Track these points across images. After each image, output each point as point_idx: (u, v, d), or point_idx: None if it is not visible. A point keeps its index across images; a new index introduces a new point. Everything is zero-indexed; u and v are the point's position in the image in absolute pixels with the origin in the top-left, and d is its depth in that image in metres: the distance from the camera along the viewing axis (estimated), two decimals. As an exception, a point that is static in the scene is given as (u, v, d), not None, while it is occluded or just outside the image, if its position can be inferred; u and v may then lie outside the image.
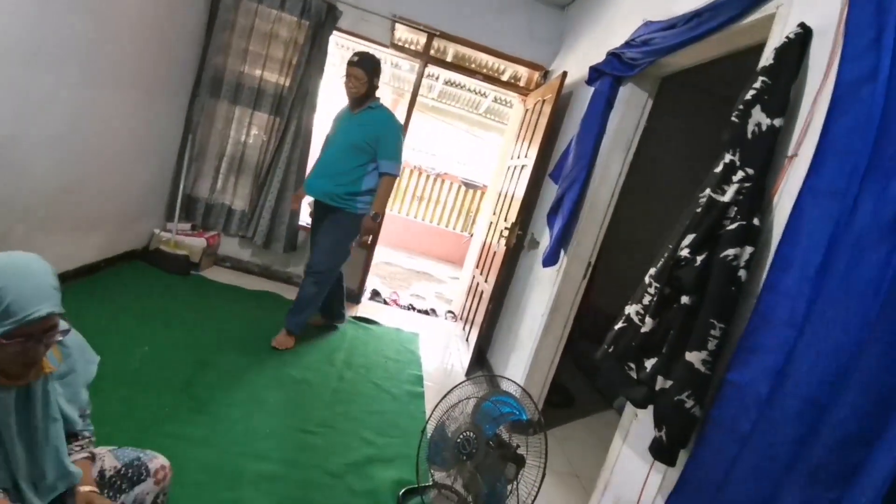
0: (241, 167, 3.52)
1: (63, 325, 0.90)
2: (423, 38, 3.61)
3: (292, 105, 3.41)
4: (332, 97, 3.81)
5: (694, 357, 1.17)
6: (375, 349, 3.03)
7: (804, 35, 1.25)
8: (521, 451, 1.59)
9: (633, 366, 1.36)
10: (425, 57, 3.63)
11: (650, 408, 1.30)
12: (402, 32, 3.65)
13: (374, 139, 2.53)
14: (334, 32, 3.44)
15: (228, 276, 3.48)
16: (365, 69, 2.49)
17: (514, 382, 1.65)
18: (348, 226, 2.61)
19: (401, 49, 3.68)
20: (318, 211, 2.71)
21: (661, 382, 1.24)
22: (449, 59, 4.41)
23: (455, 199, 7.79)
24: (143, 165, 3.05)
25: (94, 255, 2.76)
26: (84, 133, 2.38)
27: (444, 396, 1.73)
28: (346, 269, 3.80)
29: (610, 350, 1.46)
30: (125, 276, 2.93)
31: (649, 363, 1.31)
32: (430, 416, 1.76)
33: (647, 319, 1.32)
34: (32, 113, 2.04)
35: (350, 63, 2.49)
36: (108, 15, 2.33)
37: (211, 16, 3.29)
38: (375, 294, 4.24)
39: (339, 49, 4.61)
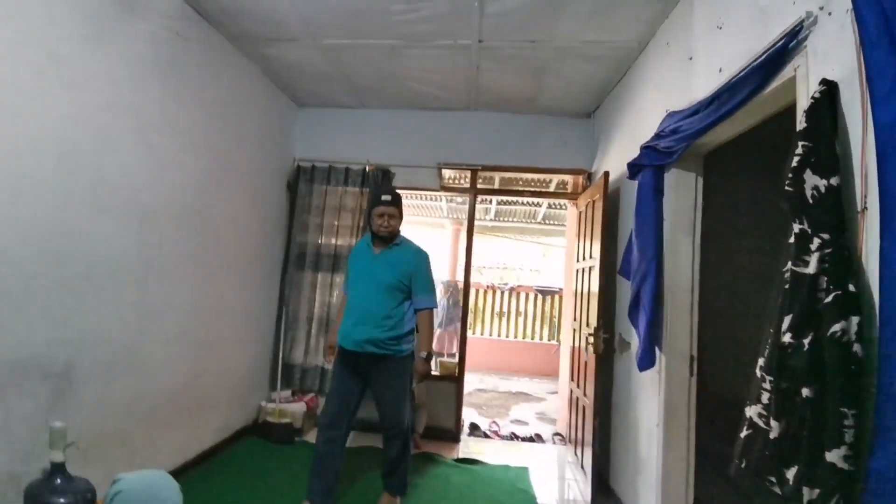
0: (329, 326, 3.79)
1: None
2: (468, 175, 3.96)
3: (364, 261, 3.75)
4: None
5: (834, 456, 0.99)
6: (484, 494, 2.80)
7: (829, 90, 1.23)
8: None
9: (773, 479, 1.14)
10: (473, 190, 3.93)
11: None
12: (449, 173, 4.04)
13: (408, 277, 2.43)
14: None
15: (359, 438, 3.48)
16: (398, 206, 2.47)
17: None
18: (402, 371, 2.45)
19: (450, 189, 4.04)
20: (358, 362, 2.39)
21: (808, 494, 1.04)
22: (496, 183, 4.75)
23: (534, 309, 7.66)
24: (249, 343, 3.40)
25: (210, 439, 2.97)
26: (197, 328, 2.75)
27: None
28: (437, 405, 3.77)
29: (742, 465, 1.25)
30: (239, 454, 3.07)
31: (790, 473, 1.09)
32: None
33: (773, 422, 1.14)
34: (150, 320, 2.41)
35: (384, 203, 2.43)
36: (210, 224, 2.84)
37: (291, 202, 3.90)
38: (474, 428, 4.04)
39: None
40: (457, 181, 4.27)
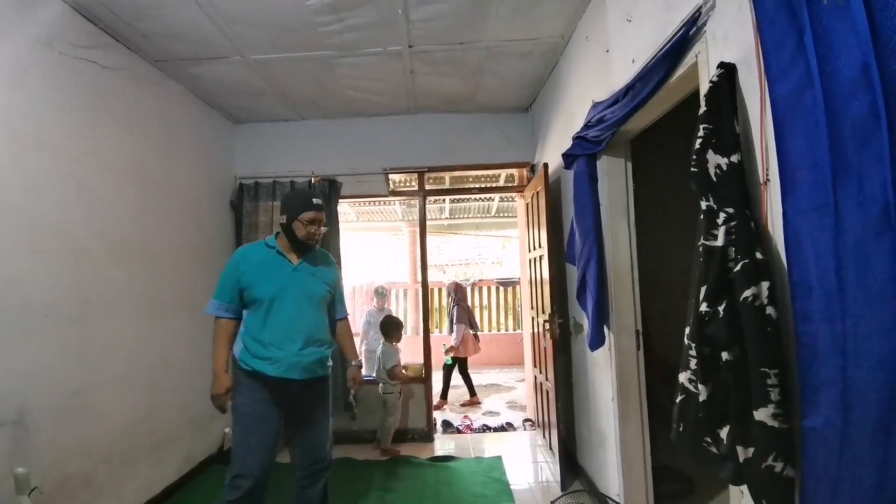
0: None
1: None
2: (415, 178, 3.99)
3: (320, 273, 3.71)
4: (348, 256, 4.11)
5: (763, 414, 1.07)
6: (461, 488, 2.85)
7: (727, 72, 1.33)
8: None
9: (709, 440, 1.24)
10: (422, 192, 3.97)
11: (749, 482, 1.16)
12: (396, 177, 4.06)
13: (333, 286, 2.14)
14: (339, 201, 3.86)
15: None
16: (327, 211, 2.12)
17: (585, 491, 1.50)
18: (329, 393, 2.15)
19: (399, 193, 4.06)
20: (288, 392, 1.95)
21: (742, 453, 1.13)
22: (447, 182, 4.81)
23: (497, 301, 7.79)
24: (205, 372, 3.29)
25: (175, 472, 2.87)
26: (147, 363, 2.65)
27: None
28: (407, 407, 3.79)
29: (681, 429, 1.35)
30: (206, 484, 2.98)
31: (723, 433, 1.20)
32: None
33: (700, 386, 1.24)
34: (95, 359, 2.31)
35: (316, 207, 1.99)
36: (151, 255, 2.74)
37: (237, 222, 3.79)
38: (447, 425, 4.10)
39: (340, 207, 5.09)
40: (406, 184, 4.30)
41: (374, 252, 8.79)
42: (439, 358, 4.79)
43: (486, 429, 4.03)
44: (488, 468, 3.14)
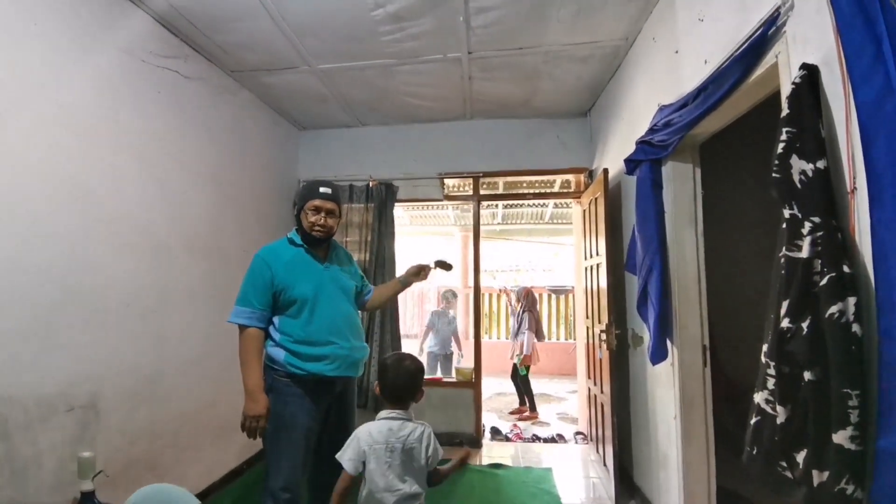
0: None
1: None
2: (470, 183, 4.00)
3: (375, 274, 3.80)
4: (402, 259, 4.15)
5: (841, 437, 1.00)
6: (509, 497, 2.81)
7: (810, 74, 1.24)
8: None
9: (784, 464, 1.15)
10: (476, 197, 3.97)
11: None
12: (451, 182, 4.09)
13: (358, 279, 2.13)
14: (395, 204, 3.94)
15: None
16: (338, 203, 1.97)
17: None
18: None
19: (454, 198, 4.09)
20: (332, 392, 1.92)
21: (817, 477, 1.04)
22: (501, 187, 4.79)
23: (549, 309, 7.64)
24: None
25: (234, 459, 3.04)
26: (214, 353, 2.82)
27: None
28: (456, 412, 3.79)
29: (754, 452, 1.26)
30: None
31: (800, 457, 1.10)
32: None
33: (779, 408, 1.15)
34: (169, 348, 2.49)
35: (323, 195, 1.90)
36: (222, 252, 2.93)
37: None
38: (496, 432, 4.05)
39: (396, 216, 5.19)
40: (460, 189, 4.32)
41: (427, 256, 8.91)
42: (490, 362, 4.77)
43: (535, 439, 3.95)
44: (538, 479, 3.07)
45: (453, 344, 5.17)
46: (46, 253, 1.84)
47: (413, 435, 1.55)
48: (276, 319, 1.89)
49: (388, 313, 3.77)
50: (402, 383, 1.61)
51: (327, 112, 3.74)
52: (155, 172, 2.43)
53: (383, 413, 1.60)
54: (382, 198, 3.88)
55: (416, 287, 6.08)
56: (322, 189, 1.92)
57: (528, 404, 4.81)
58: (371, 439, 1.53)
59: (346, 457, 1.53)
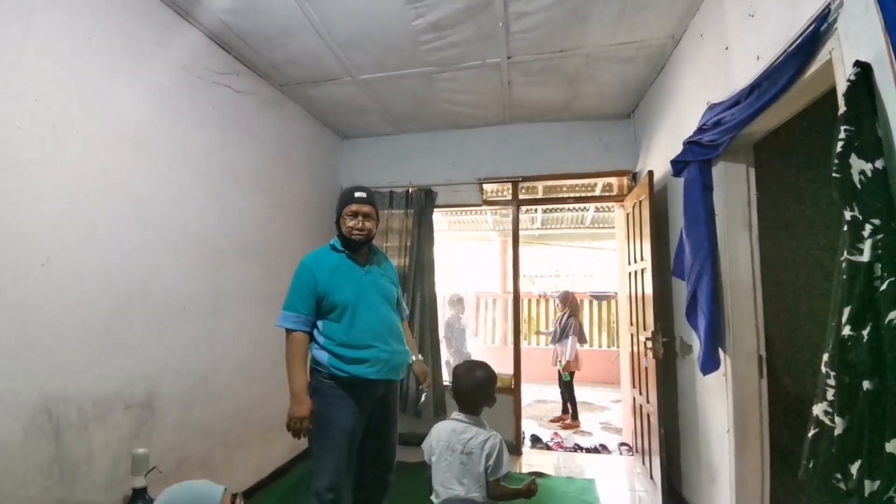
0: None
1: None
2: (508, 187, 3.99)
3: (414, 279, 3.85)
4: (441, 265, 4.17)
5: (894, 446, 0.92)
6: (550, 507, 2.76)
7: (863, 72, 1.19)
8: None
9: (839, 476, 1.08)
10: (515, 202, 3.95)
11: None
12: (489, 187, 4.09)
13: (398, 285, 2.18)
14: (434, 209, 3.98)
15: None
16: (374, 206, 2.02)
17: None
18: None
19: (493, 203, 4.08)
20: (376, 395, 1.97)
21: (868, 486, 0.98)
22: (540, 192, 4.74)
23: (590, 315, 7.46)
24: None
25: (281, 458, 3.14)
26: (263, 355, 2.94)
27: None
28: (495, 418, 3.74)
29: (811, 465, 1.19)
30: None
31: (854, 468, 1.04)
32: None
33: (837, 419, 1.08)
34: (221, 350, 2.61)
35: (358, 200, 1.96)
36: (270, 258, 3.06)
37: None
38: (536, 440, 3.99)
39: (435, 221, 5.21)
40: (499, 194, 4.31)
41: (465, 261, 8.91)
42: (529, 368, 4.67)
43: (577, 448, 3.85)
44: (580, 490, 2.99)
45: (469, 346, 5.12)
46: (108, 260, 1.96)
47: (475, 440, 1.57)
48: (320, 323, 1.96)
49: (428, 318, 3.80)
50: (470, 390, 1.66)
51: (368, 121, 3.84)
52: (210, 183, 2.57)
53: (454, 414, 1.67)
54: (422, 203, 3.93)
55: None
56: (357, 194, 1.98)
57: (570, 412, 4.70)
58: (437, 435, 1.64)
59: (423, 445, 1.68)
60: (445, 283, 7.90)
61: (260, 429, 2.91)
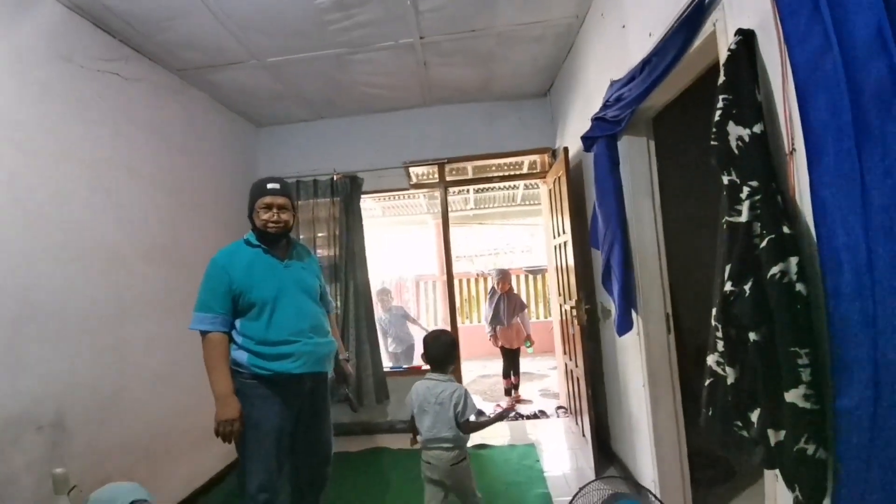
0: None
1: None
2: (436, 170, 3.98)
3: (346, 269, 3.77)
4: (375, 253, 4.11)
5: (793, 396, 1.02)
6: (493, 476, 2.87)
7: (746, 39, 1.25)
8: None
9: (739, 424, 1.20)
10: (442, 184, 3.96)
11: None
12: (417, 171, 4.06)
13: (321, 278, 2.11)
14: (362, 196, 3.89)
15: (335, 442, 3.57)
16: (289, 197, 1.95)
17: (619, 478, 1.48)
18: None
19: (420, 186, 4.06)
20: (301, 391, 1.94)
21: (773, 436, 1.08)
22: (470, 173, 4.78)
23: (527, 289, 7.73)
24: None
25: (219, 464, 3.01)
26: (184, 363, 2.76)
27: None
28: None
29: (710, 413, 1.31)
30: (249, 476, 3.12)
31: (754, 416, 1.15)
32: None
33: (728, 369, 1.20)
34: (132, 361, 2.43)
35: (271, 191, 1.89)
36: (182, 259, 2.85)
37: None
38: (480, 414, 4.10)
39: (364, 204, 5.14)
40: (428, 177, 4.29)
41: (403, 246, 8.87)
42: (472, 346, 4.69)
43: (518, 417, 4.02)
44: (522, 455, 3.14)
45: (410, 329, 5.07)
46: None
47: (445, 393, 1.95)
48: (237, 322, 1.87)
49: (363, 306, 3.76)
50: (438, 353, 2.04)
51: (284, 107, 3.65)
52: (102, 181, 2.34)
53: (428, 374, 2.05)
54: (348, 191, 3.83)
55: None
56: (270, 185, 1.90)
57: (515, 384, 4.81)
58: (416, 393, 2.03)
59: (407, 401, 2.07)
60: (384, 270, 7.85)
61: (188, 438, 2.76)
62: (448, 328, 3.95)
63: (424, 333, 2.16)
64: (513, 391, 4.74)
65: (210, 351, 1.82)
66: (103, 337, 2.27)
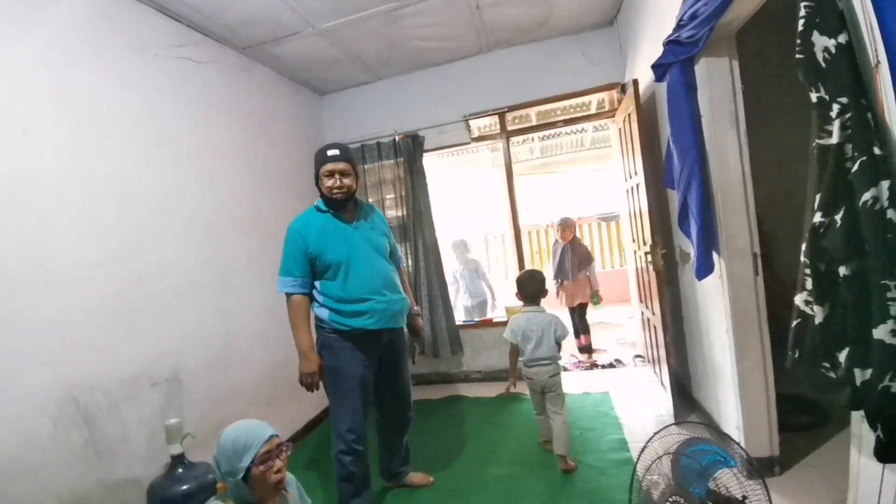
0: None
1: (289, 476, 1.32)
2: (497, 120, 3.86)
3: (414, 228, 3.87)
4: (441, 209, 4.11)
5: (882, 332, 0.93)
6: (569, 423, 2.90)
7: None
8: (749, 500, 1.33)
9: (827, 365, 1.10)
10: (504, 133, 3.85)
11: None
12: (478, 123, 3.97)
13: (390, 236, 2.20)
14: (424, 155, 3.91)
15: (414, 392, 3.80)
16: (350, 162, 2.01)
17: (700, 423, 1.44)
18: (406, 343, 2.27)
19: (482, 138, 3.98)
20: (380, 344, 2.07)
21: (860, 375, 1.00)
22: (534, 120, 4.58)
23: (600, 237, 7.44)
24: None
25: (314, 410, 3.36)
26: (278, 318, 3.03)
27: (637, 462, 1.58)
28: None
29: (797, 355, 1.22)
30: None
31: (842, 356, 1.05)
32: (631, 487, 1.60)
33: (816, 308, 1.09)
34: (236, 320, 2.73)
35: (332, 158, 1.95)
36: (265, 228, 3.09)
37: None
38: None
39: (430, 163, 5.14)
40: (490, 129, 4.19)
41: (471, 202, 8.84)
42: (548, 298, 4.45)
43: (594, 366, 3.99)
44: (596, 403, 3.14)
45: (486, 291, 4.88)
46: (103, 246, 2.01)
47: (543, 321, 2.41)
48: (317, 283, 2.03)
49: (433, 263, 3.86)
50: (534, 288, 2.47)
51: (342, 72, 3.70)
52: (191, 162, 2.57)
53: (526, 308, 2.48)
54: (410, 150, 3.86)
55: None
56: (330, 152, 1.98)
57: (587, 343, 4.45)
58: (518, 324, 2.44)
59: (507, 334, 2.47)
60: (453, 227, 7.91)
61: (287, 387, 3.08)
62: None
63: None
64: (587, 354, 4.36)
65: (293, 311, 1.99)
66: (208, 301, 2.56)
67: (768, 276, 2.10)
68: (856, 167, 0.95)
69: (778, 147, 3.11)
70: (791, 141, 3.11)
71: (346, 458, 1.99)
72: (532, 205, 9.35)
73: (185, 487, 1.84)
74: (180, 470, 1.90)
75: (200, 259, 2.54)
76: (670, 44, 2.15)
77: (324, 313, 2.01)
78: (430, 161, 4.03)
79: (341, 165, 1.97)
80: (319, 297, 2.03)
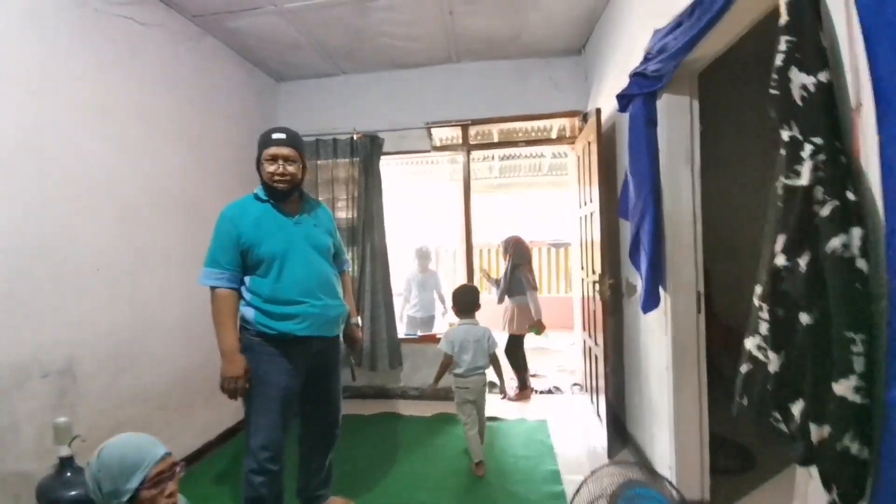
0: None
1: (181, 499, 1.20)
2: (459, 133, 3.79)
3: (364, 231, 3.68)
4: (395, 217, 3.96)
5: (843, 388, 0.88)
6: (502, 448, 2.81)
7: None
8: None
9: (778, 416, 1.05)
10: (466, 146, 3.78)
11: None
12: (440, 133, 3.88)
13: (335, 236, 2.01)
14: (382, 158, 3.75)
15: (346, 405, 3.57)
16: (297, 149, 1.82)
17: (633, 463, 1.37)
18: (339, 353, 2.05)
19: (443, 148, 3.89)
20: (309, 352, 1.85)
21: (816, 432, 0.94)
22: (496, 137, 4.56)
23: (549, 263, 7.55)
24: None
25: (231, 418, 3.05)
26: (199, 316, 2.75)
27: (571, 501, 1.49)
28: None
29: (745, 402, 1.17)
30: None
31: (796, 409, 1.00)
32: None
33: (771, 354, 1.04)
34: (147, 311, 2.43)
35: (276, 142, 1.77)
36: (198, 212, 2.80)
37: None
38: (492, 386, 4.03)
39: (388, 168, 5.00)
40: (452, 140, 4.11)
41: (423, 213, 8.74)
42: (490, 317, 4.36)
43: (532, 392, 3.93)
44: (532, 430, 3.07)
45: (437, 306, 4.65)
46: (2, 218, 1.74)
47: (478, 333, 2.60)
48: (246, 279, 1.82)
49: (379, 270, 3.68)
50: (469, 303, 2.67)
51: (303, 59, 3.50)
52: (114, 128, 2.28)
53: (461, 321, 2.65)
54: (368, 151, 3.69)
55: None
56: (275, 135, 1.79)
57: (519, 381, 3.85)
58: (457, 335, 2.59)
59: (443, 345, 2.60)
60: (404, 236, 7.76)
61: (204, 391, 2.78)
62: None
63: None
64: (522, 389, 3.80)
65: (217, 307, 1.77)
66: (116, 287, 2.25)
67: (710, 316, 2.12)
68: (826, 212, 0.92)
69: (729, 189, 3.23)
70: (738, 185, 3.27)
71: (257, 478, 1.76)
72: (488, 223, 9.38)
73: (73, 493, 1.63)
74: (68, 474, 1.69)
75: (110, 237, 2.24)
76: (636, 76, 2.16)
77: (249, 313, 1.79)
78: (387, 166, 3.88)
79: (285, 151, 1.78)
80: (247, 295, 1.81)
